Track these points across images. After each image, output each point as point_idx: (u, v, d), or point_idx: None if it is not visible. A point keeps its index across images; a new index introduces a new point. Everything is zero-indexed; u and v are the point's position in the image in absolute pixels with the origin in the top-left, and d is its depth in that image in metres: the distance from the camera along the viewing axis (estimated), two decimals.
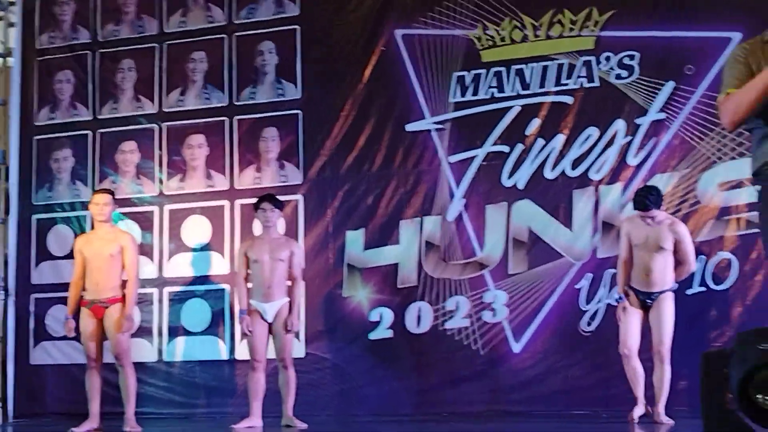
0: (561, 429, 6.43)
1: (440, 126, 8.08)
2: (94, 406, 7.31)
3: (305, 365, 7.93)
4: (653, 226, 6.72)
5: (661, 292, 6.66)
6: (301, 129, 8.40)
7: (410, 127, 8.13)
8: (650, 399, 6.72)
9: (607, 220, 7.53)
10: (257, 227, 7.85)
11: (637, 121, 7.59)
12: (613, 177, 7.59)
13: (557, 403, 7.48)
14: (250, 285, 7.34)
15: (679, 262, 6.75)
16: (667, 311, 6.63)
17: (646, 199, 6.74)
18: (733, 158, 7.29)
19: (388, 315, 8.02)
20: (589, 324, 7.52)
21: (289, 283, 7.32)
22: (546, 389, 7.57)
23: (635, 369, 6.71)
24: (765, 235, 3.69)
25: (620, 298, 6.81)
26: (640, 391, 6.70)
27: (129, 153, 8.86)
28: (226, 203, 8.54)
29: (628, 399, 6.83)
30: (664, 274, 6.67)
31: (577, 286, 7.60)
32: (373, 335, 8.03)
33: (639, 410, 6.69)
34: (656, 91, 7.55)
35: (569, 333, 7.59)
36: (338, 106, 8.29)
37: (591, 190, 7.67)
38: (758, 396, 2.89)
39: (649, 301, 6.68)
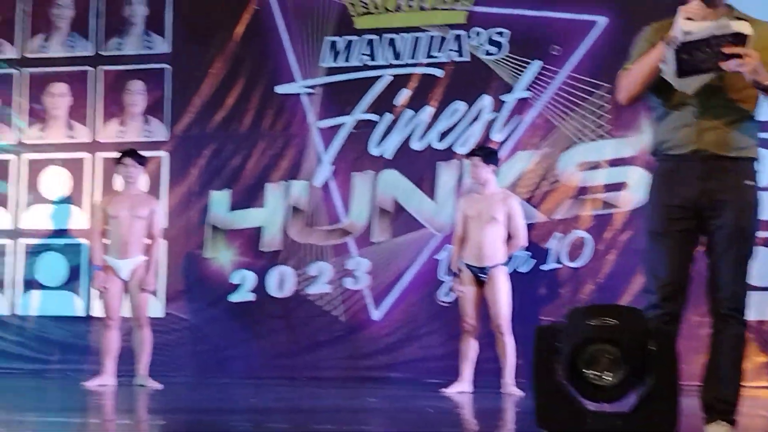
0: (415, 396, 6.54)
1: (311, 90, 8.04)
2: None
3: (164, 325, 7.85)
4: (486, 198, 6.83)
5: (493, 267, 6.78)
6: (169, 84, 8.23)
7: (280, 90, 8.07)
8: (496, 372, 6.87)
9: None
10: (119, 182, 7.67)
11: (503, 97, 7.72)
12: None
13: (412, 371, 7.61)
14: (107, 241, 7.19)
15: (510, 236, 6.88)
16: (501, 285, 6.75)
17: (479, 150, 6.91)
18: (593, 140, 7.50)
19: (250, 278, 7.98)
20: (446, 295, 7.64)
21: (148, 241, 7.20)
22: (402, 357, 7.69)
23: (471, 345, 6.81)
24: (648, 212, 3.78)
25: (454, 274, 6.92)
26: (468, 369, 6.78)
27: None
28: (87, 156, 8.32)
29: (485, 369, 6.97)
30: (495, 248, 6.79)
31: (437, 257, 7.71)
32: (234, 298, 7.99)
33: (460, 387, 6.77)
34: (523, 70, 7.69)
35: (427, 303, 7.71)
36: (208, 62, 8.17)
37: (455, 163, 7.78)
38: (586, 370, 3.00)
39: (482, 276, 6.81)
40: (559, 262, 7.49)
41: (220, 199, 8.10)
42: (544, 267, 7.45)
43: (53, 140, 8.40)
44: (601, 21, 7.29)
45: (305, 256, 7.95)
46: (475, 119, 7.75)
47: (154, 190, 7.99)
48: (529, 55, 7.69)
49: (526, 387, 6.79)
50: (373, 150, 7.90)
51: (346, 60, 7.99)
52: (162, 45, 8.29)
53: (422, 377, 7.48)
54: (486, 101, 7.74)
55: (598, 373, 2.99)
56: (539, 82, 7.67)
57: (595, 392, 3.02)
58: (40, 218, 8.36)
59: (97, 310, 7.90)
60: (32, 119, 8.46)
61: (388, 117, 7.89)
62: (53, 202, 8.37)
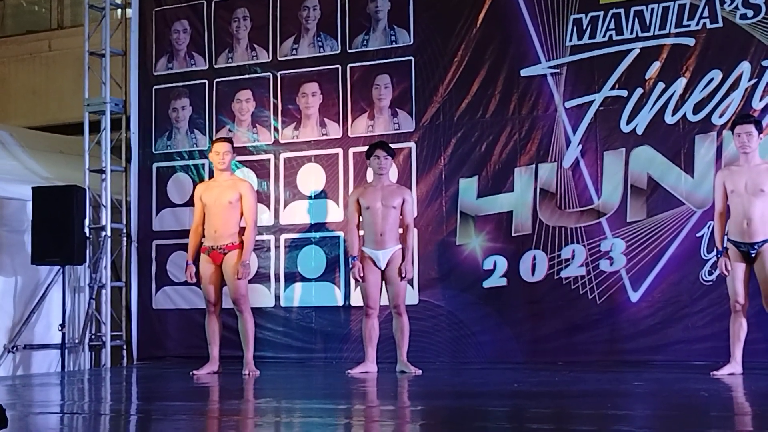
0: (683, 379, 6.29)
1: (556, 70, 7.89)
2: (214, 350, 7.52)
3: (418, 312, 7.95)
4: (750, 170, 6.43)
5: (763, 242, 6.37)
6: (414, 75, 8.33)
7: (525, 72, 7.97)
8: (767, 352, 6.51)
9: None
10: (371, 175, 7.85)
11: (764, 62, 7.28)
12: None
13: (677, 353, 7.33)
14: (362, 232, 7.37)
15: None
16: None
17: (749, 117, 6.57)
18: None
19: (502, 263, 7.95)
20: (710, 273, 7.30)
21: (401, 230, 7.32)
22: (666, 339, 7.42)
23: (742, 325, 6.48)
24: None
25: (719, 252, 6.56)
26: (739, 350, 6.47)
27: (245, 102, 8.96)
28: (339, 151, 8.56)
29: (755, 350, 6.64)
30: (764, 222, 6.37)
31: (698, 235, 7.38)
32: (487, 283, 7.98)
33: (731, 368, 6.45)
34: None
35: (690, 282, 7.40)
36: (451, 51, 8.19)
37: (713, 135, 7.41)
38: None
39: (751, 252, 6.41)
40: None
41: (468, 186, 8.11)
42: None
43: (307, 138, 8.71)
44: None
45: (557, 239, 7.81)
46: (733, 87, 7.34)
47: (403, 180, 8.11)
48: None
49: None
50: (624, 126, 7.65)
51: (592, 37, 7.78)
52: (406, 37, 8.39)
53: (688, 359, 7.21)
54: (744, 67, 7.31)
55: None
56: None
57: None
58: (298, 213, 8.70)
59: (356, 299, 8.14)
60: (287, 119, 8.81)
61: (639, 91, 7.62)
62: (309, 198, 8.68)
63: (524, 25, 7.95)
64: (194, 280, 7.54)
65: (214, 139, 8.49)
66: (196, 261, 7.50)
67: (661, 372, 6.80)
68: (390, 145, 7.54)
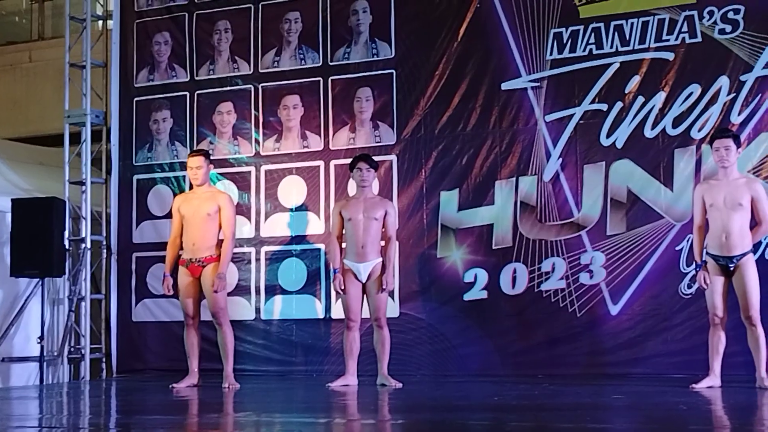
0: (662, 392, 6.31)
1: (537, 84, 7.93)
2: (194, 363, 7.48)
3: (399, 325, 7.95)
4: (729, 184, 6.48)
5: (741, 256, 6.41)
6: (395, 88, 8.35)
7: (506, 86, 8.01)
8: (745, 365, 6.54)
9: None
10: (352, 187, 7.86)
11: (742, 77, 7.34)
12: None
13: (656, 366, 7.36)
14: (344, 245, 7.37)
15: (755, 221, 6.49)
16: (750, 275, 6.39)
17: (728, 131, 6.63)
18: None
19: (482, 276, 7.96)
20: (689, 287, 7.33)
21: (383, 242, 7.32)
22: (645, 352, 7.45)
23: (721, 338, 6.52)
24: None
25: (698, 266, 6.60)
26: (718, 363, 6.51)
27: (226, 114, 8.95)
28: (321, 164, 8.56)
29: (733, 363, 6.66)
30: (742, 236, 6.42)
31: (677, 248, 7.42)
32: (468, 296, 7.99)
33: (710, 381, 6.48)
34: (762, 46, 7.30)
35: (669, 295, 7.43)
36: (432, 64, 8.22)
37: (692, 149, 7.46)
38: None
39: (730, 266, 6.46)
40: None
41: (449, 199, 8.13)
42: None
43: (288, 150, 8.71)
44: None
45: (538, 252, 7.84)
46: (712, 102, 7.40)
47: (384, 192, 8.12)
48: None
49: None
50: (604, 140, 7.70)
51: (572, 51, 7.82)
52: (387, 50, 8.41)
53: (667, 372, 7.23)
54: (723, 82, 7.38)
55: None
56: None
57: None
58: (279, 226, 8.69)
59: (337, 312, 8.13)
60: (268, 131, 8.81)
61: (618, 105, 7.67)
62: (290, 210, 8.67)
63: (505, 38, 8.00)
64: (171, 292, 7.50)
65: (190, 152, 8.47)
66: (174, 273, 7.47)
67: (640, 385, 6.82)
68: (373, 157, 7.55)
